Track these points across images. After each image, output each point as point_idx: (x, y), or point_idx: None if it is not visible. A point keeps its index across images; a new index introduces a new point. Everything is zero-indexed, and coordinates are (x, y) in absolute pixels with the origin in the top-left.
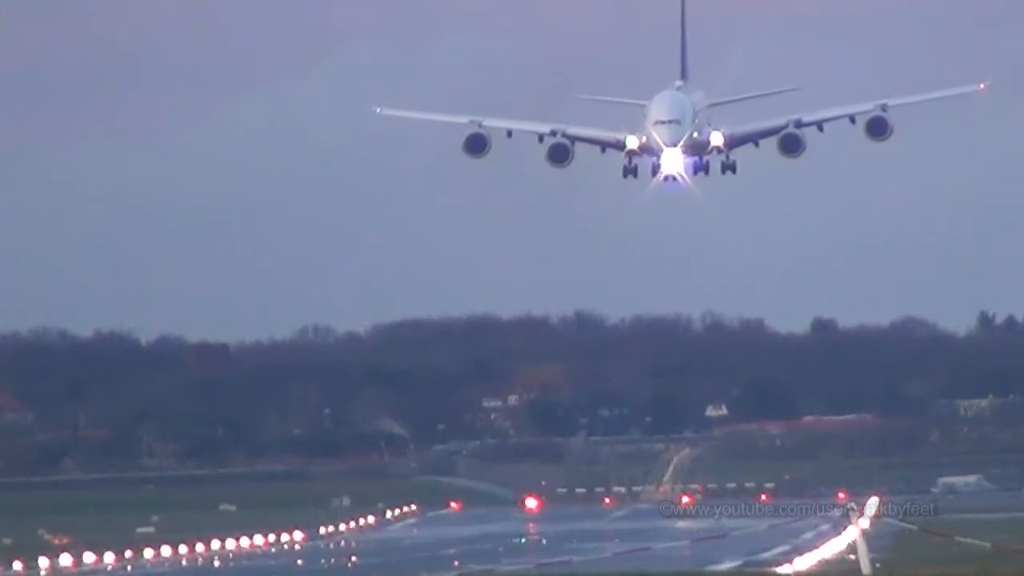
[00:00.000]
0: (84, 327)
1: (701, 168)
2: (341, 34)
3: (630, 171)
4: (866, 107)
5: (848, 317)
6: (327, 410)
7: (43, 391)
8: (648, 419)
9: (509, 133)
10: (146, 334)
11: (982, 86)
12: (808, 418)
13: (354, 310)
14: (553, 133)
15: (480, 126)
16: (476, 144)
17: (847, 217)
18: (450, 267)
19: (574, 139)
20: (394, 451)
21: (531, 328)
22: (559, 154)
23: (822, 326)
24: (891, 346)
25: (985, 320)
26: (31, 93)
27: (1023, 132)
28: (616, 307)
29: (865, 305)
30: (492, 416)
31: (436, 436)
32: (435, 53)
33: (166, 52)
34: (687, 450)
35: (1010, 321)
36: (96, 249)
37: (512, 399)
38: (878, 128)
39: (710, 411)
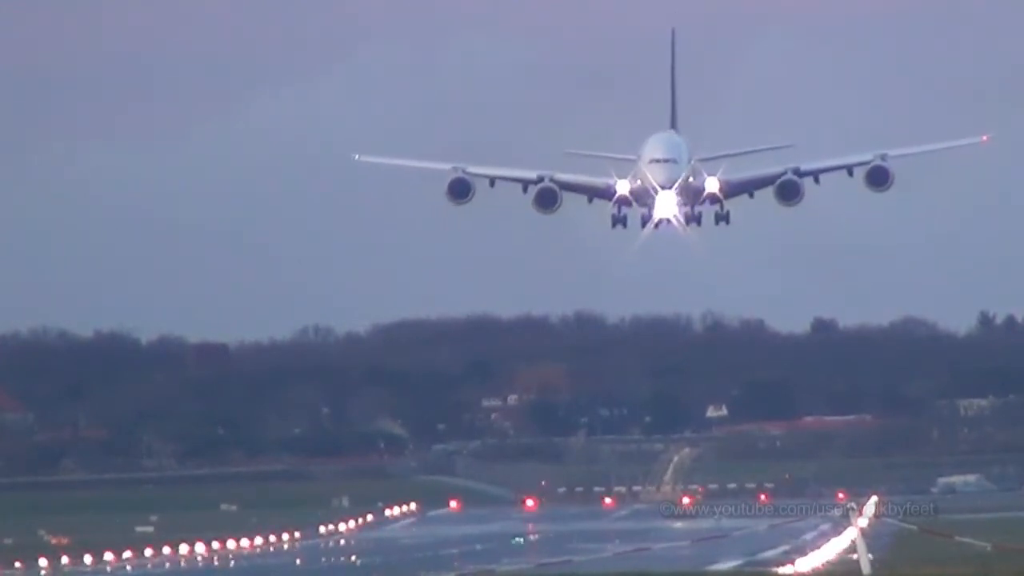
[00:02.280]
0: (84, 327)
1: (694, 219)
2: (339, 42)
3: (619, 220)
4: (865, 157)
5: (848, 317)
6: (326, 410)
7: (43, 391)
8: (648, 419)
9: (492, 182)
10: (146, 334)
11: (984, 138)
12: (808, 418)
13: (354, 310)
14: (540, 179)
15: (464, 172)
16: (459, 189)
17: (846, 217)
18: (450, 267)
19: (562, 185)
20: (393, 451)
21: (531, 328)
22: (547, 199)
23: (822, 326)
24: (891, 346)
25: (985, 320)
26: (31, 93)
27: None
28: (616, 307)
29: (865, 305)
30: (492, 416)
31: (436, 436)
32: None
33: (164, 54)
34: (687, 450)
35: (1010, 321)
36: (96, 249)
37: (512, 399)
38: (879, 178)
39: (710, 411)
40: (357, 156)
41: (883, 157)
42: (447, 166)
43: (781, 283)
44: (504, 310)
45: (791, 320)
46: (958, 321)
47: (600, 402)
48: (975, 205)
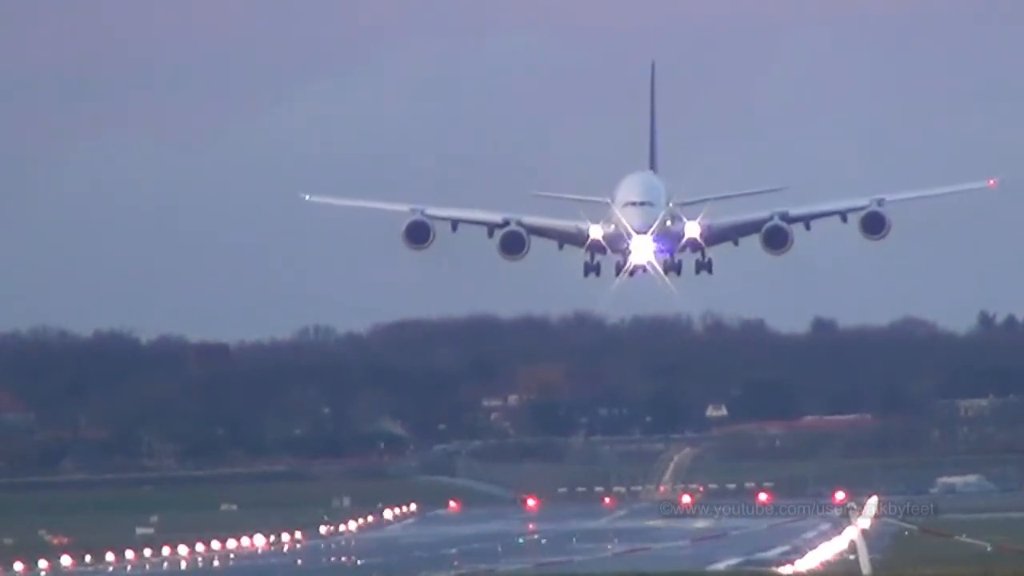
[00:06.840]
0: (84, 327)
1: (673, 268)
2: (340, 46)
3: (592, 268)
4: (861, 202)
5: (848, 317)
6: (327, 410)
7: (43, 391)
8: (648, 419)
9: (454, 226)
10: (146, 334)
11: (991, 182)
12: (808, 418)
13: (354, 310)
14: (506, 223)
15: (422, 214)
16: (417, 234)
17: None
18: (450, 267)
19: (530, 230)
20: (394, 451)
21: (531, 328)
22: (513, 244)
23: (822, 326)
24: (891, 346)
25: (985, 320)
26: (31, 93)
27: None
28: (616, 307)
29: (865, 305)
30: (492, 416)
31: (436, 436)
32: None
33: (165, 55)
34: (687, 450)
35: (1010, 321)
36: (96, 249)
37: (512, 399)
38: (875, 225)
39: (710, 411)
40: (307, 196)
41: (880, 202)
42: (404, 207)
43: (781, 283)
44: (504, 310)
45: (791, 320)
46: (958, 321)
47: (600, 402)
48: (974, 204)
